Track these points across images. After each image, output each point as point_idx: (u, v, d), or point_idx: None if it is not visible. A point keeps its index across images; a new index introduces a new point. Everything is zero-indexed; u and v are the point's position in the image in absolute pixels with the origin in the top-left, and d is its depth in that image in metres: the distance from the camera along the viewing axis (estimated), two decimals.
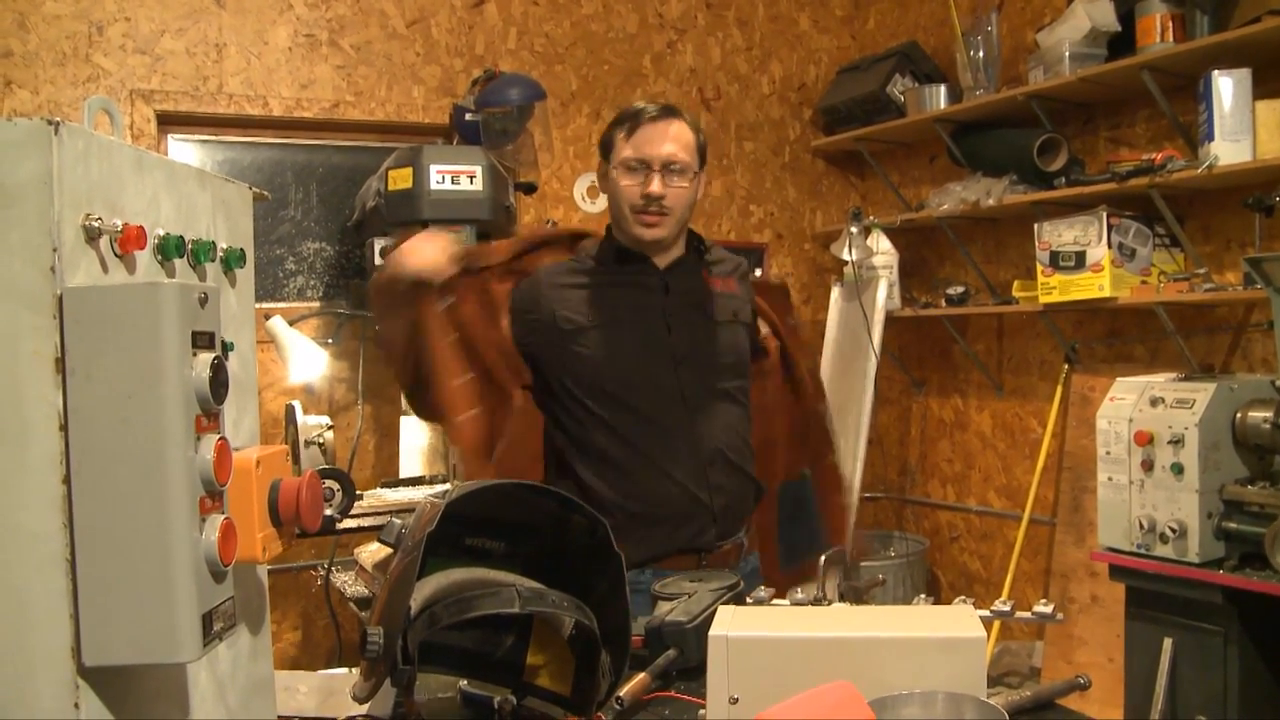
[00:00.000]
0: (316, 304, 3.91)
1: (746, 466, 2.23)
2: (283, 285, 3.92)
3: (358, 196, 3.62)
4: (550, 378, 2.18)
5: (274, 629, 3.70)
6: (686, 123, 2.17)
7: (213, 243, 1.22)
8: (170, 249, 1.11)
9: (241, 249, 1.30)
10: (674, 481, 2.11)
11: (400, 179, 3.24)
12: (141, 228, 1.04)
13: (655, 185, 2.10)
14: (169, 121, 3.67)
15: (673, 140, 2.12)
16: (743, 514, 2.23)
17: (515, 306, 2.19)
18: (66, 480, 0.94)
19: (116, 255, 1.03)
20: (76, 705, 0.94)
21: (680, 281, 2.22)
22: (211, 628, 1.00)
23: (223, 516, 1.02)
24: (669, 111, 2.16)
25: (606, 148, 2.19)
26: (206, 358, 1.00)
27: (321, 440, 2.89)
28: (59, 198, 0.94)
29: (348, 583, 3.27)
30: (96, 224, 0.98)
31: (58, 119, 0.94)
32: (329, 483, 2.26)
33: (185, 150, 3.76)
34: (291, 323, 3.46)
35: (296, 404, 2.98)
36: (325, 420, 2.95)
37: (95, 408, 0.94)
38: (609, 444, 2.13)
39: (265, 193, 1.40)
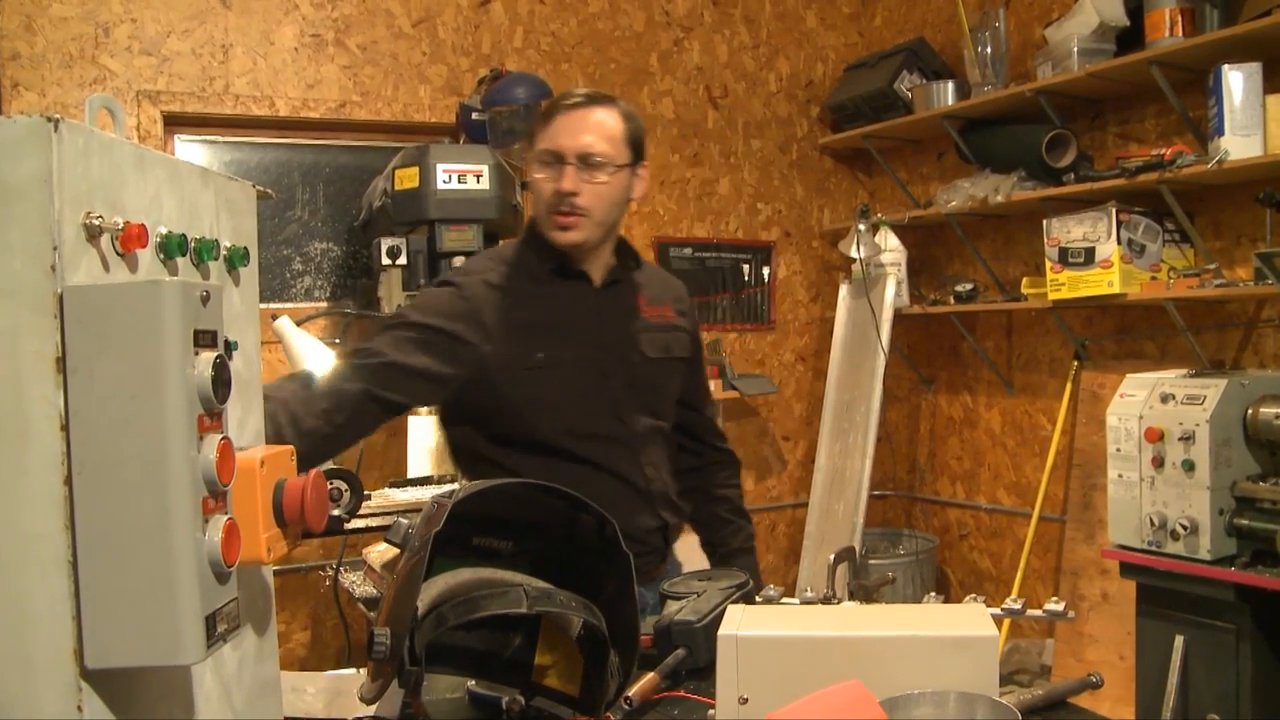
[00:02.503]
0: (324, 304, 3.91)
1: (678, 499, 2.12)
2: (290, 285, 3.92)
3: (364, 196, 3.62)
4: (476, 411, 1.94)
5: (282, 630, 3.70)
6: (616, 110, 1.92)
7: (216, 241, 1.21)
8: (172, 247, 1.10)
9: (245, 248, 1.29)
10: (630, 533, 2.05)
11: (407, 178, 3.23)
12: (143, 226, 1.03)
13: (567, 180, 1.86)
14: (175, 122, 3.67)
15: (592, 130, 1.87)
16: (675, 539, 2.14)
17: (435, 321, 1.88)
18: (68, 481, 0.93)
19: (118, 254, 1.02)
20: (79, 708, 0.93)
21: (613, 306, 2.00)
22: (215, 629, 0.99)
23: (226, 517, 1.01)
24: (594, 99, 1.91)
25: (531, 139, 1.95)
26: (209, 356, 0.99)
27: None
28: (59, 195, 0.93)
29: (356, 583, 3.27)
30: (97, 222, 0.97)
31: (57, 116, 0.93)
32: (337, 483, 2.25)
33: (192, 151, 3.76)
34: (299, 323, 3.45)
35: None
36: None
37: (97, 407, 0.93)
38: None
39: (269, 191, 1.39)
